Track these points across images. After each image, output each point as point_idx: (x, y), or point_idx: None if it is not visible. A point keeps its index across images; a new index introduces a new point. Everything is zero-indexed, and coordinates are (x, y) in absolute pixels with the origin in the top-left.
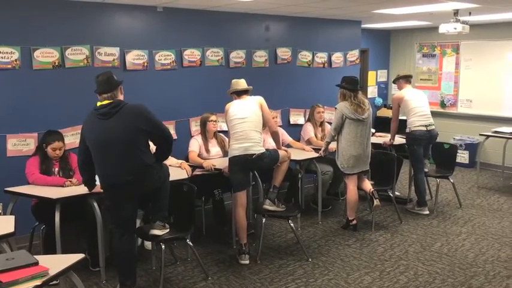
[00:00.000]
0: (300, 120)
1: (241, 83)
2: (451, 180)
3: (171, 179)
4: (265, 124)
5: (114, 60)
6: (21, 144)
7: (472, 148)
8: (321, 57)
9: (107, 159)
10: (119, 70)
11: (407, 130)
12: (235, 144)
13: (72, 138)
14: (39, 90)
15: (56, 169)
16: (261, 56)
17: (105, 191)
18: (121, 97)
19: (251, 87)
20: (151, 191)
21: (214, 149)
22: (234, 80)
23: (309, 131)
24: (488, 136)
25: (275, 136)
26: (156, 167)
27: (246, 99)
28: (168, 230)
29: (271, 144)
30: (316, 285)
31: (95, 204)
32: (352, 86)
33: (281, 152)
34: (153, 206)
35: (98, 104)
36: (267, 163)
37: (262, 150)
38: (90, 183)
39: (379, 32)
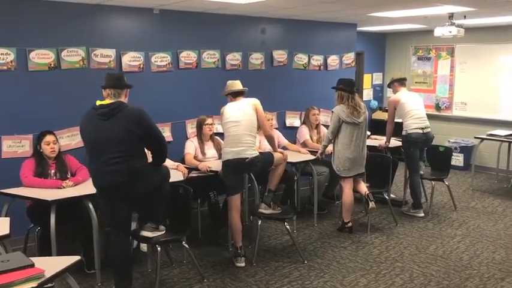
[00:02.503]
0: (296, 122)
1: (237, 84)
2: (446, 183)
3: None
4: (259, 127)
5: (110, 61)
6: (16, 145)
7: (467, 151)
8: (317, 59)
9: (99, 160)
10: (115, 72)
11: (404, 133)
12: (228, 148)
13: (67, 139)
14: (35, 91)
15: (52, 171)
16: (257, 59)
17: (98, 191)
18: (124, 100)
19: (246, 88)
20: (147, 193)
21: (210, 151)
22: (229, 81)
23: (304, 133)
24: (483, 139)
25: (269, 140)
26: (149, 170)
27: (241, 101)
28: (161, 233)
29: (267, 146)
30: None
31: (90, 205)
32: (350, 88)
33: (276, 155)
34: (147, 208)
35: (98, 103)
36: (260, 166)
37: (256, 153)
38: None
39: (374, 35)
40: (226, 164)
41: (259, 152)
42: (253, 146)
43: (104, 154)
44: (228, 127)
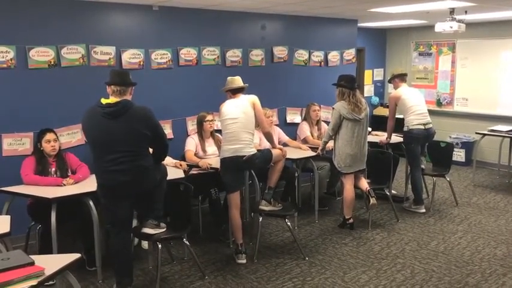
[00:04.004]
0: (297, 119)
1: (237, 81)
2: (448, 179)
3: (167, 178)
4: (258, 124)
5: (110, 59)
6: (16, 143)
7: (468, 146)
8: (318, 56)
9: (105, 159)
10: (120, 69)
11: (405, 129)
12: (226, 146)
13: (68, 137)
14: (35, 89)
15: (53, 169)
16: (257, 55)
17: (101, 190)
18: (129, 98)
19: (247, 84)
20: (148, 190)
21: (211, 148)
22: (229, 78)
23: (305, 130)
24: (484, 134)
25: (268, 137)
26: (153, 168)
27: (239, 98)
28: (162, 230)
29: (267, 143)
30: (313, 284)
31: (91, 203)
32: (351, 84)
33: (275, 151)
34: (147, 205)
35: (104, 101)
36: (259, 164)
37: (253, 151)
38: None
39: (375, 31)
40: (224, 161)
41: (258, 150)
42: (250, 144)
43: (110, 153)
44: (225, 124)
